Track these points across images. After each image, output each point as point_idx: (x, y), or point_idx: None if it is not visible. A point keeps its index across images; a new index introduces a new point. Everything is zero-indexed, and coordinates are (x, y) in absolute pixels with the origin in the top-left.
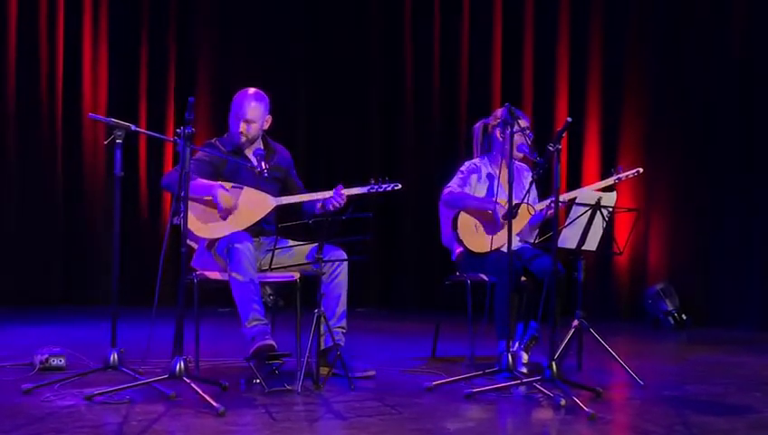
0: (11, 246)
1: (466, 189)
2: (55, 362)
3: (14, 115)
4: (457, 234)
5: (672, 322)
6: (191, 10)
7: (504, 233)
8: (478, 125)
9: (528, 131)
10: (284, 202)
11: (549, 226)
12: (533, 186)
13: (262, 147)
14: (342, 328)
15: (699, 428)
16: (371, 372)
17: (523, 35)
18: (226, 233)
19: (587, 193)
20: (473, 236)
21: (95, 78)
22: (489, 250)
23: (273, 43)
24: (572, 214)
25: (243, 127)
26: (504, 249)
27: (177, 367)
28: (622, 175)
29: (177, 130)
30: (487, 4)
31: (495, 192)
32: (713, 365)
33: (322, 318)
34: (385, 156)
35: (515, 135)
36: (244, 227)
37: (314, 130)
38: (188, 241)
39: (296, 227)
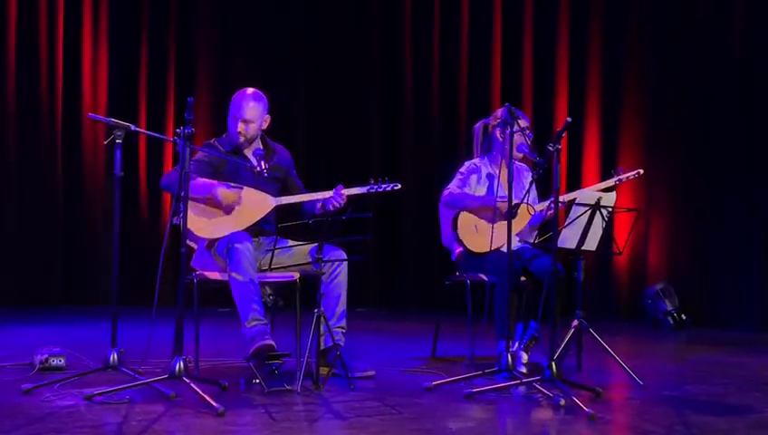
0: (11, 246)
1: (466, 190)
2: (55, 362)
3: (14, 115)
4: (457, 234)
5: (671, 322)
6: (191, 10)
7: (503, 232)
8: (478, 125)
9: (528, 131)
10: (284, 202)
11: (548, 226)
12: (533, 186)
13: (261, 147)
14: (342, 328)
15: (699, 428)
16: (371, 372)
17: (522, 35)
18: (226, 233)
19: (587, 194)
20: (473, 237)
21: (95, 78)
22: (489, 250)
23: (273, 43)
24: (572, 214)
25: (241, 127)
26: (504, 249)
27: (177, 367)
28: (623, 176)
29: (177, 130)
30: (487, 4)
31: (495, 192)
32: (713, 365)
33: (322, 318)
34: (385, 156)
35: (515, 135)
36: (244, 226)
37: (314, 130)
38: (188, 241)
39: (296, 227)
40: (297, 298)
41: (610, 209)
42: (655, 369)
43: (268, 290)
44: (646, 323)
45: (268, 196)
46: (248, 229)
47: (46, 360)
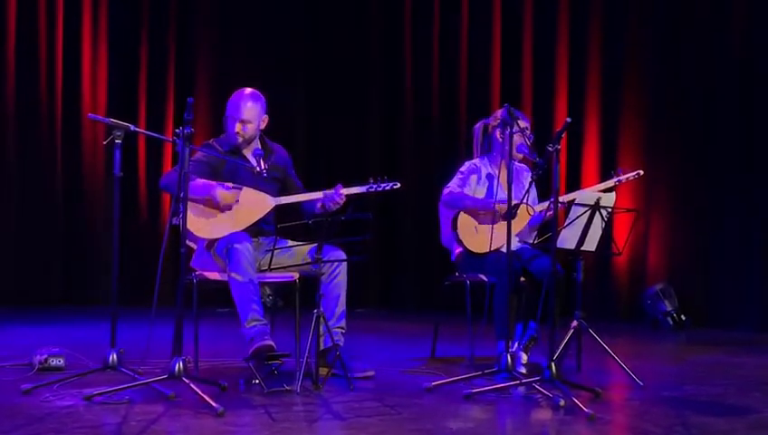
0: (11, 246)
1: (466, 190)
2: (54, 362)
3: (14, 115)
4: (457, 234)
5: (671, 322)
6: (191, 10)
7: (503, 233)
8: (478, 125)
9: (528, 132)
10: (283, 202)
11: (548, 226)
12: (533, 186)
13: (260, 147)
14: (342, 328)
15: (699, 428)
16: (371, 373)
17: (522, 35)
18: (225, 233)
19: (586, 194)
20: (472, 237)
21: (95, 78)
22: (488, 250)
23: (273, 43)
24: (571, 214)
25: (239, 127)
26: (504, 250)
27: (177, 367)
28: (622, 177)
29: (177, 131)
30: (487, 4)
31: (495, 193)
32: (712, 366)
33: (322, 318)
34: (385, 156)
35: (515, 135)
36: (244, 227)
37: (314, 130)
38: (188, 241)
39: (296, 227)
40: (296, 298)
41: (610, 210)
42: (654, 369)
43: (268, 290)
44: (645, 323)
45: (267, 196)
46: (247, 229)
47: (45, 360)
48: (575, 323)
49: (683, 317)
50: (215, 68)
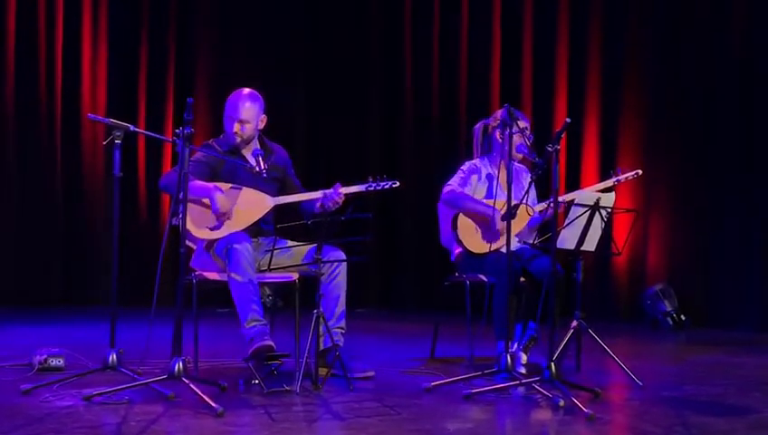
0: (11, 246)
1: (467, 189)
2: (54, 362)
3: (14, 115)
4: (457, 234)
5: (671, 322)
6: (191, 10)
7: (502, 235)
8: (478, 126)
9: (528, 132)
10: (283, 202)
11: (548, 226)
12: (533, 186)
13: (259, 147)
14: (341, 329)
15: (698, 428)
16: (370, 373)
17: (522, 35)
18: (225, 234)
19: (586, 194)
20: (472, 237)
21: (94, 78)
22: (488, 251)
23: (273, 43)
24: (571, 214)
25: (237, 128)
26: (504, 250)
27: (176, 367)
28: (621, 177)
29: (177, 131)
30: (486, 4)
31: (495, 193)
32: (712, 366)
33: (321, 319)
34: (385, 156)
35: (514, 136)
36: (243, 227)
37: (314, 130)
38: (187, 242)
39: (295, 227)
40: (296, 299)
41: (609, 210)
42: (654, 369)
43: (267, 291)
44: (645, 323)
45: (267, 196)
46: (247, 230)
47: (45, 360)
48: (575, 323)
49: (683, 317)
50: (215, 68)
